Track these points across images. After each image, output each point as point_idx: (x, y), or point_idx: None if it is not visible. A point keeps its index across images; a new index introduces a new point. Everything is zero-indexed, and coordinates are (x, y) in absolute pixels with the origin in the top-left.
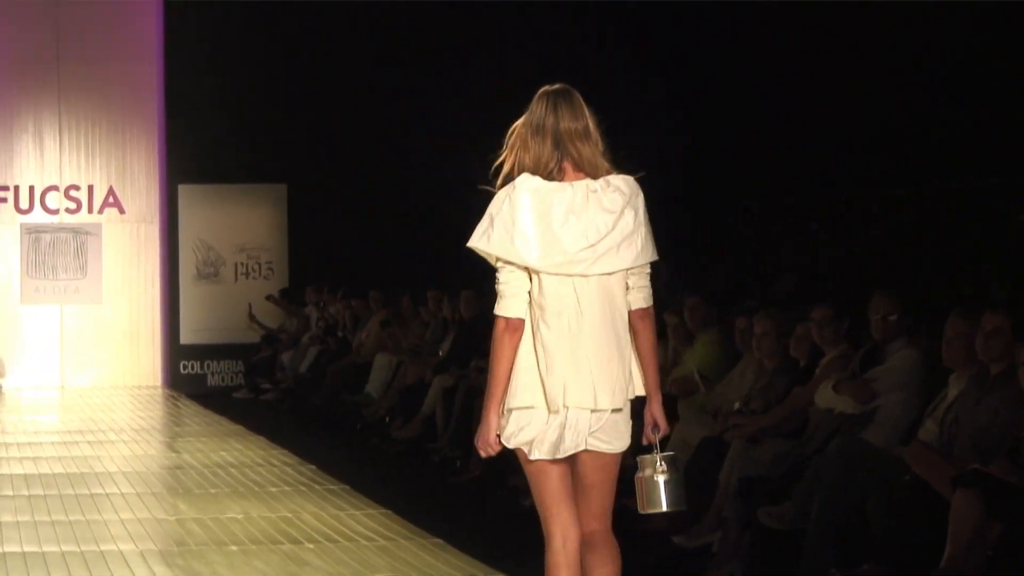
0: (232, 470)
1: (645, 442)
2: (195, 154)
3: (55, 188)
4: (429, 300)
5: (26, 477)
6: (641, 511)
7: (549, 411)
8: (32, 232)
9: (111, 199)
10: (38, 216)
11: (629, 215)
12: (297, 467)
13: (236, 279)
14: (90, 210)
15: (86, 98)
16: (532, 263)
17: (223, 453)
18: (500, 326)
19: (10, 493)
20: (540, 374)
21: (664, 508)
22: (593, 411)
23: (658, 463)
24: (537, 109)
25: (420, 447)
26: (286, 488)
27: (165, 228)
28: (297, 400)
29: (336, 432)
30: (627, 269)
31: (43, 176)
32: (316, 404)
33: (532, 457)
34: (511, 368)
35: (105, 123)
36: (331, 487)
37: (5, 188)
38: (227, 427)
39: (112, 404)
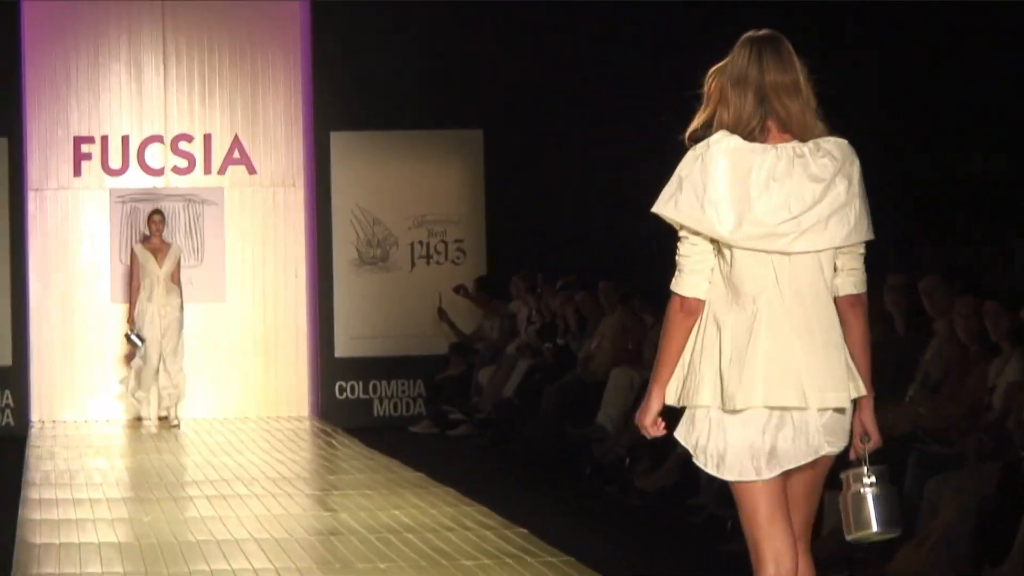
0: (409, 536)
1: (852, 455)
2: (353, 91)
3: (158, 139)
4: None
5: (120, 547)
6: (848, 536)
7: (728, 408)
8: (127, 201)
9: (236, 154)
10: (135, 178)
11: (841, 184)
12: (501, 531)
13: (413, 264)
14: (207, 170)
15: (199, 14)
16: (724, 235)
17: (396, 512)
18: (675, 305)
19: (97, 571)
20: (720, 365)
21: (875, 529)
22: (819, 410)
23: (866, 477)
24: (739, 58)
25: (675, 501)
26: (486, 561)
27: (313, 194)
28: (500, 435)
29: (556, 479)
30: (836, 248)
31: (141, 123)
32: (527, 440)
33: (729, 478)
34: (681, 352)
35: (227, 48)
36: (550, 559)
37: (88, 140)
38: (402, 474)
39: (240, 443)
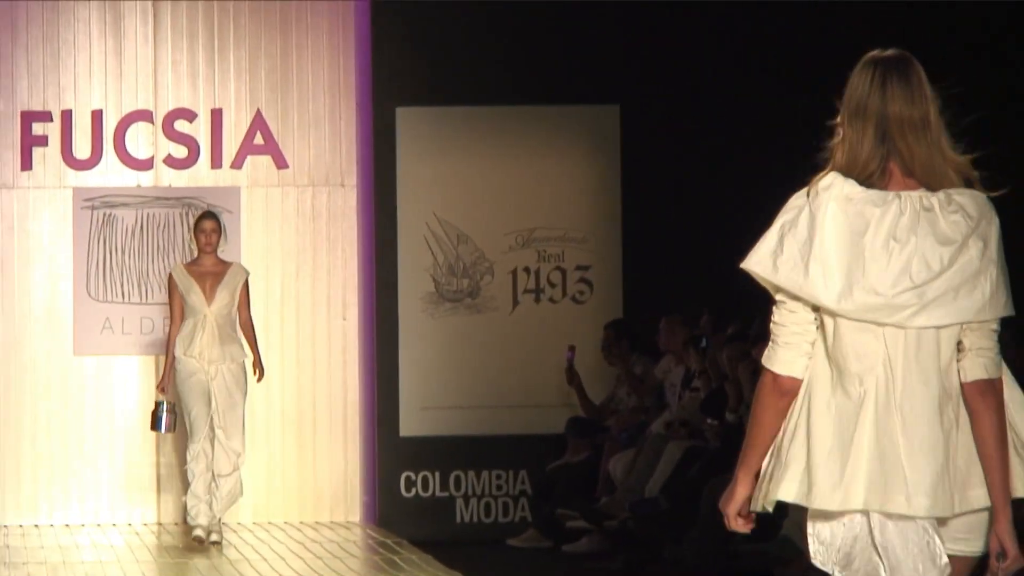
0: None
1: (988, 574)
2: (430, 51)
3: (145, 116)
4: None
5: None
6: None
7: (811, 506)
8: (98, 207)
9: (259, 139)
10: (110, 173)
11: (975, 248)
12: None
13: (516, 302)
14: (216, 162)
15: None
16: (830, 304)
17: None
18: (766, 383)
19: None
20: (809, 452)
21: None
22: (924, 519)
23: None
24: (859, 84)
25: None
26: None
27: (369, 198)
28: (641, 552)
29: None
30: (964, 323)
31: (120, 94)
32: (681, 560)
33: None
34: (774, 436)
35: None
36: None
37: (43, 116)
38: None
39: (263, 561)
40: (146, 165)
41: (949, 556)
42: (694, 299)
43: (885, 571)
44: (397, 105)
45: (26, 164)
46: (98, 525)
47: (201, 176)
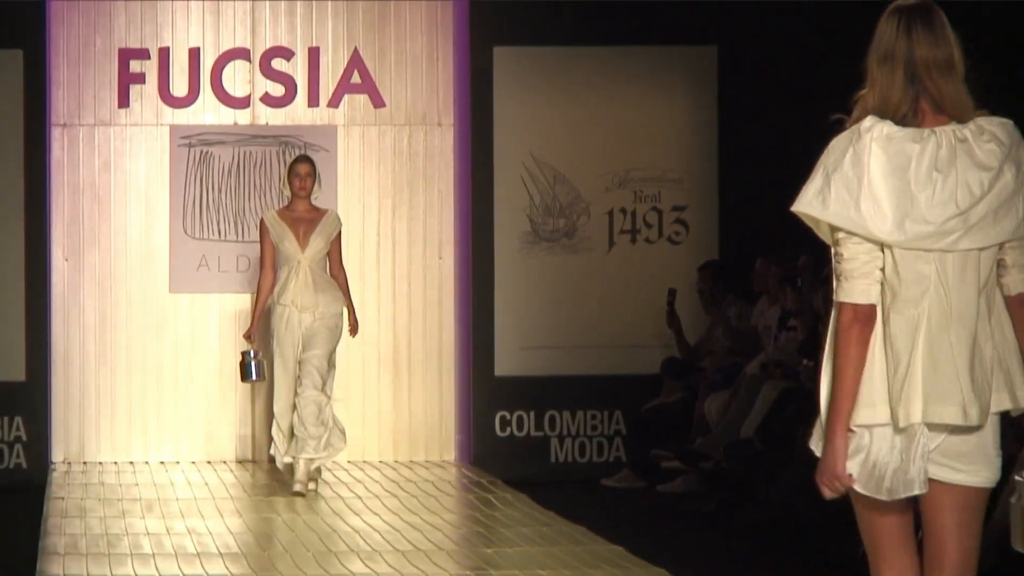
0: None
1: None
2: None
3: (242, 54)
4: None
5: None
6: (1016, 547)
7: (896, 428)
8: (196, 144)
9: (356, 78)
10: (207, 111)
11: (1009, 172)
12: None
13: (612, 243)
14: (313, 100)
15: None
16: (883, 236)
17: None
18: (846, 317)
19: None
20: (888, 379)
21: None
22: (953, 431)
23: None
24: (885, 31)
25: None
26: None
27: (466, 138)
28: (735, 494)
29: (815, 560)
30: (1004, 243)
31: (218, 32)
32: (774, 502)
33: (861, 491)
34: (861, 372)
35: None
36: None
37: (141, 54)
38: (591, 548)
39: (358, 499)
40: (243, 103)
41: (957, 486)
42: (791, 241)
43: (901, 488)
44: (495, 44)
45: (123, 102)
46: (192, 463)
47: (298, 115)
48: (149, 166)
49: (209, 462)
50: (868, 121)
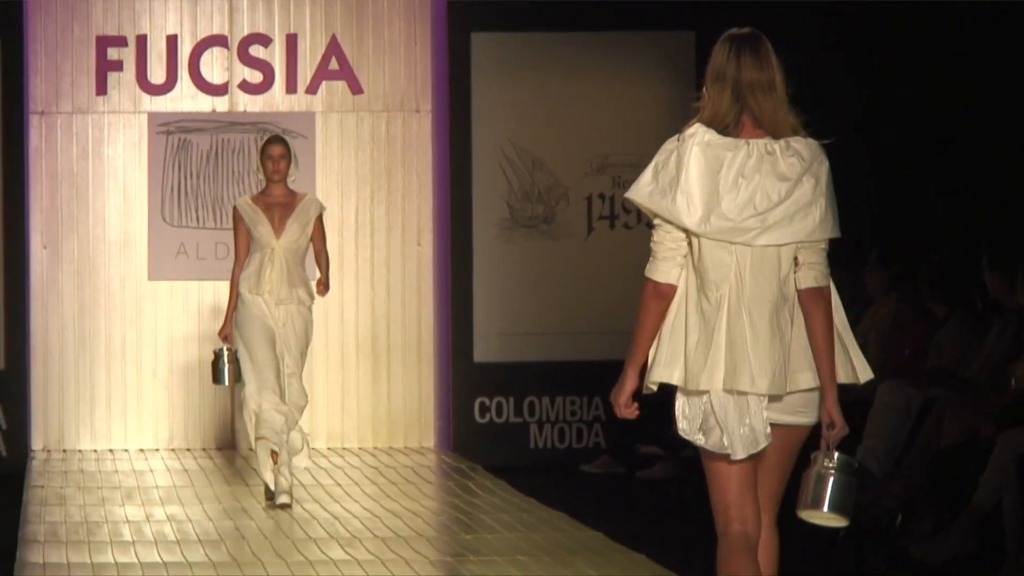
0: None
1: (822, 444)
2: None
3: (220, 41)
4: None
5: None
6: (798, 511)
7: (686, 388)
8: (174, 131)
9: (334, 64)
10: (185, 98)
11: (808, 184)
12: None
13: (591, 228)
14: (291, 87)
15: None
16: (691, 226)
17: None
18: (648, 290)
19: None
20: (687, 347)
21: (824, 510)
22: (787, 396)
23: (831, 461)
24: (719, 55)
25: None
26: None
27: (444, 124)
28: None
29: (796, 543)
30: (799, 243)
31: (196, 18)
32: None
33: (708, 448)
34: (655, 334)
35: None
36: None
37: (118, 41)
38: (570, 534)
39: (337, 486)
40: (221, 90)
41: (789, 426)
42: None
43: (725, 437)
44: (472, 30)
45: (101, 89)
46: (172, 450)
47: (276, 101)
48: (127, 153)
49: (189, 449)
50: (693, 128)
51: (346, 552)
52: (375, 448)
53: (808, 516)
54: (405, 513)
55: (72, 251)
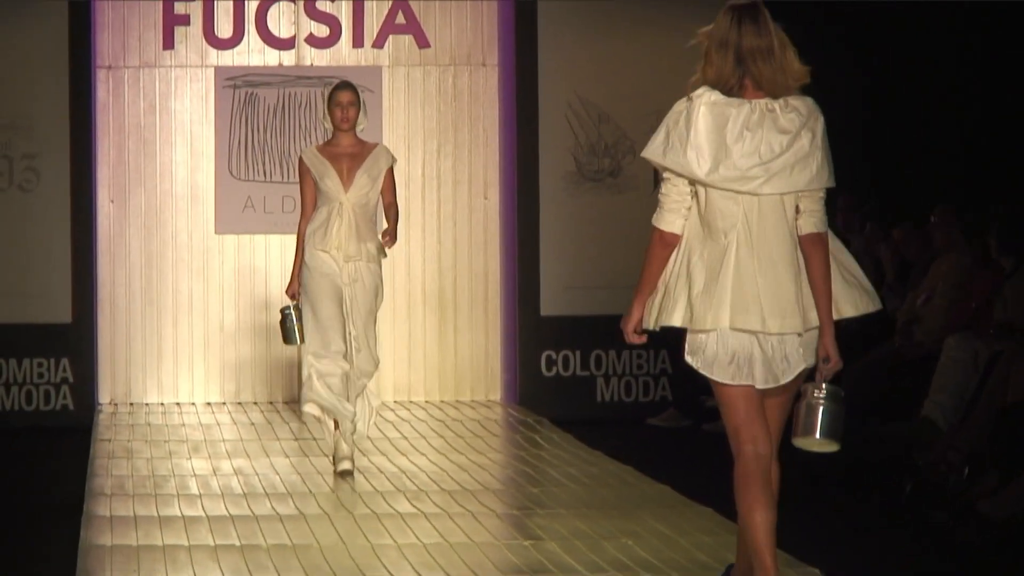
0: None
1: (817, 376)
2: None
3: None
4: None
5: None
6: (793, 440)
7: (691, 328)
8: (240, 85)
9: (400, 18)
10: (252, 52)
11: (806, 137)
12: (783, 572)
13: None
14: (357, 41)
15: None
16: (702, 176)
17: (628, 542)
18: (655, 237)
19: None
20: (690, 289)
21: (817, 437)
22: (777, 335)
23: (821, 392)
24: (722, 24)
25: None
26: None
27: (511, 78)
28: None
29: (860, 499)
30: (799, 192)
31: None
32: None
33: (715, 379)
34: (659, 276)
35: None
36: None
37: None
38: (638, 488)
39: (403, 439)
40: (288, 44)
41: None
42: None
43: (733, 367)
44: None
45: (168, 43)
46: (239, 403)
47: (342, 55)
48: (194, 107)
49: (255, 402)
50: (701, 90)
51: (413, 505)
52: (441, 401)
53: (802, 444)
54: (471, 466)
55: (139, 205)
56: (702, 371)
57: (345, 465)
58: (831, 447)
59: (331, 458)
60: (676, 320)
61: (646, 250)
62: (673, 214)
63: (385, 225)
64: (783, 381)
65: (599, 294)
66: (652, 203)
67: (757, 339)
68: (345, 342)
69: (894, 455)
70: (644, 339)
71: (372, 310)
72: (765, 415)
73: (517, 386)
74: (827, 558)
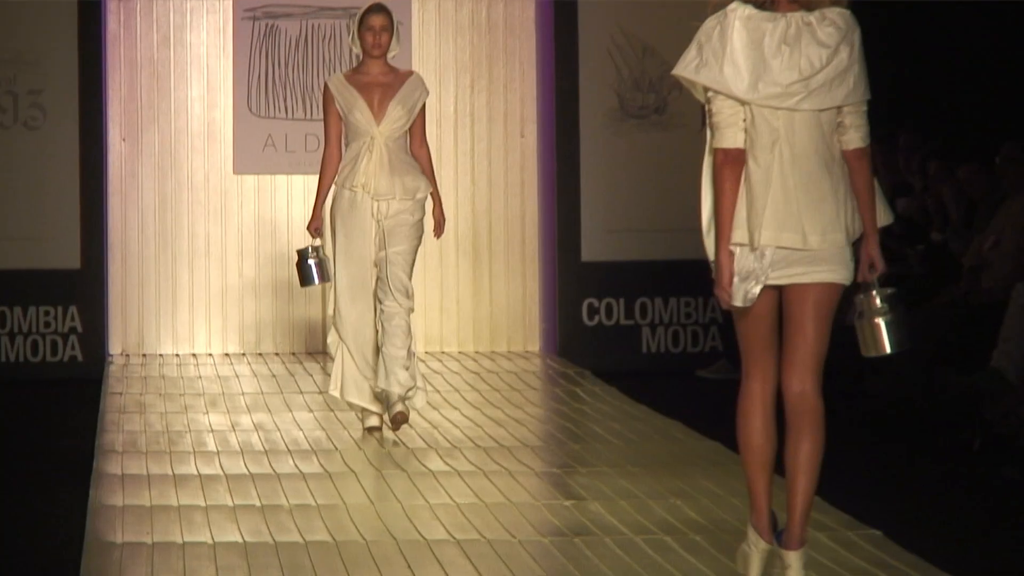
0: (697, 538)
1: (860, 279)
2: None
3: None
4: None
5: (245, 549)
6: (865, 355)
7: (752, 248)
8: (260, 16)
9: None
10: None
11: (844, 51)
12: (840, 532)
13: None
14: None
15: None
16: (740, 94)
17: (677, 502)
18: (719, 159)
19: None
20: (747, 210)
21: (888, 351)
22: (802, 250)
23: (877, 302)
24: None
25: None
26: None
27: (549, 7)
28: (839, 384)
29: (925, 455)
30: (840, 106)
31: None
32: (880, 394)
33: (734, 302)
34: (736, 203)
35: None
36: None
37: None
38: (686, 444)
39: (436, 392)
40: None
41: (821, 284)
42: (902, 114)
43: (745, 286)
44: None
45: None
46: (259, 354)
47: None
48: (211, 40)
49: (277, 354)
50: (733, 4)
51: (446, 463)
52: (476, 352)
53: (874, 356)
54: (508, 422)
55: (152, 143)
56: (735, 301)
57: (399, 407)
58: (904, 349)
59: (359, 413)
60: (737, 237)
61: (714, 184)
62: (731, 128)
63: None
64: (789, 280)
65: (644, 238)
66: (700, 141)
67: (778, 255)
68: (379, 290)
69: (961, 409)
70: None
71: (407, 253)
72: (777, 348)
73: (557, 336)
74: (889, 519)
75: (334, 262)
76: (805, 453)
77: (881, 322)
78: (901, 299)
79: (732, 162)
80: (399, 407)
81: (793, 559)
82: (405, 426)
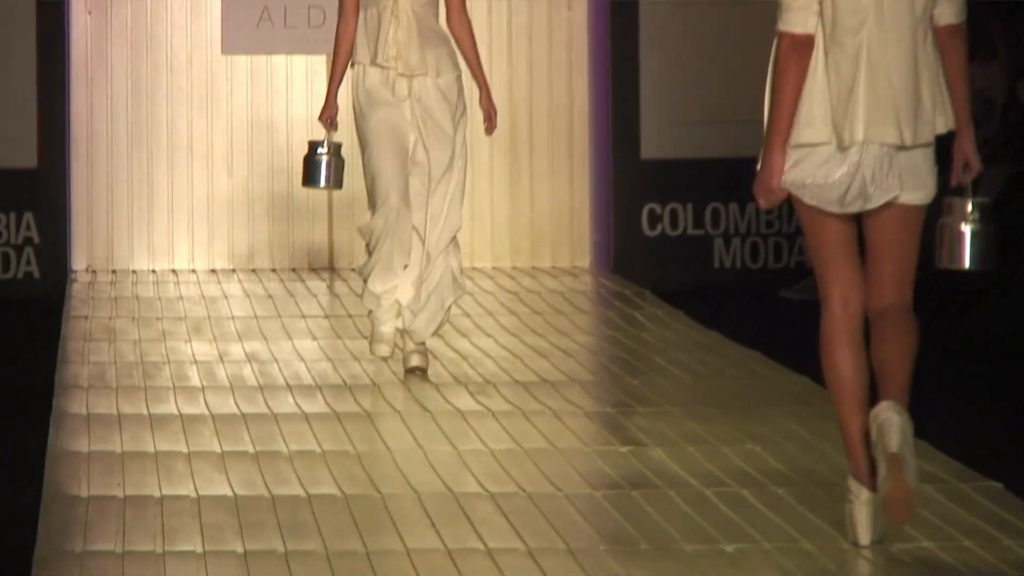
0: (779, 491)
1: (955, 183)
2: None
3: None
4: None
5: (236, 502)
6: (939, 265)
7: (839, 146)
8: None
9: None
10: None
11: None
12: (955, 480)
13: None
14: None
15: None
16: None
17: (755, 448)
18: (785, 44)
19: (194, 547)
20: (831, 102)
21: (967, 266)
22: (898, 148)
23: (968, 210)
24: None
25: None
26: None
27: None
28: (939, 307)
29: None
30: None
31: None
32: (984, 318)
33: (809, 202)
34: (799, 96)
35: None
36: None
37: None
38: (766, 378)
39: (472, 315)
40: None
41: (901, 205)
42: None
43: (848, 201)
44: None
45: None
46: (252, 271)
47: None
48: None
49: (274, 270)
50: None
51: (477, 401)
52: (514, 268)
53: (949, 269)
54: (553, 352)
55: (124, 18)
56: (810, 200)
57: (415, 360)
58: (985, 268)
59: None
60: (819, 135)
61: (775, 71)
62: (804, 11)
63: None
64: (870, 206)
65: (715, 131)
66: (775, 18)
67: (865, 155)
68: (414, 187)
69: None
70: (784, 196)
71: (449, 140)
72: (858, 261)
73: (611, 249)
74: (1011, 470)
75: (363, 154)
76: (892, 343)
77: (967, 231)
78: (995, 214)
79: (801, 49)
80: (415, 360)
81: (885, 407)
82: (429, 357)
